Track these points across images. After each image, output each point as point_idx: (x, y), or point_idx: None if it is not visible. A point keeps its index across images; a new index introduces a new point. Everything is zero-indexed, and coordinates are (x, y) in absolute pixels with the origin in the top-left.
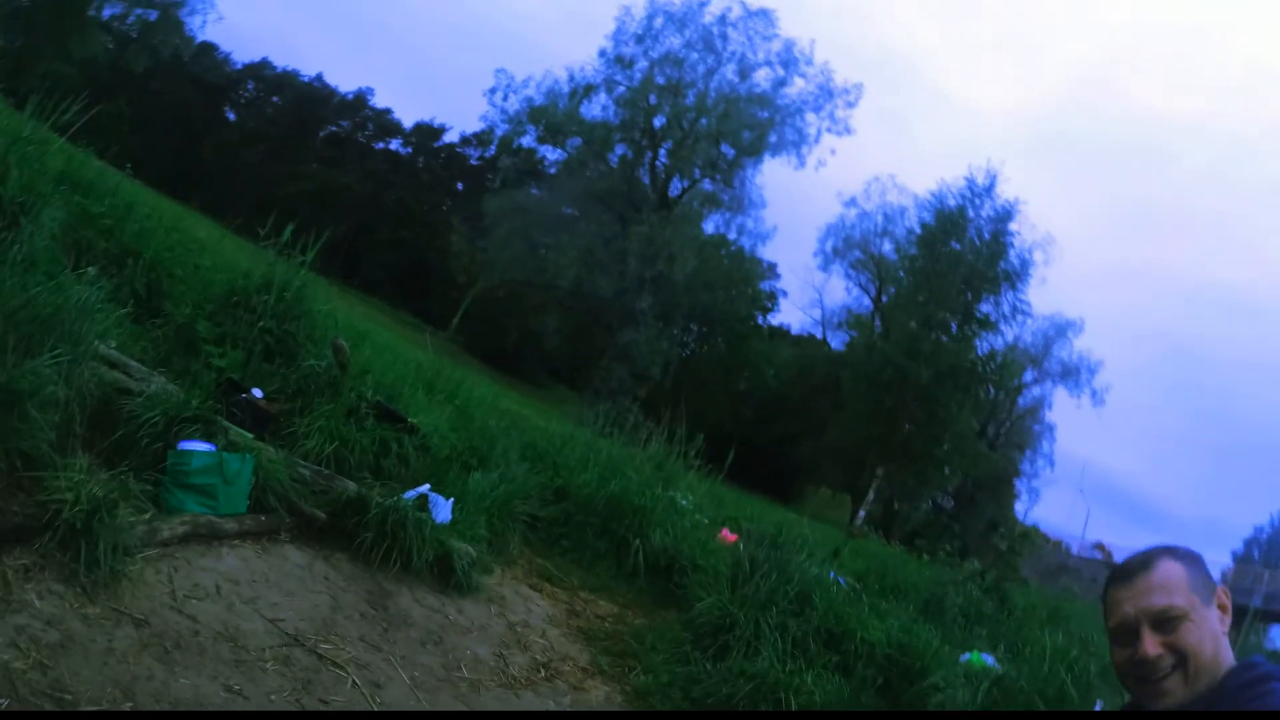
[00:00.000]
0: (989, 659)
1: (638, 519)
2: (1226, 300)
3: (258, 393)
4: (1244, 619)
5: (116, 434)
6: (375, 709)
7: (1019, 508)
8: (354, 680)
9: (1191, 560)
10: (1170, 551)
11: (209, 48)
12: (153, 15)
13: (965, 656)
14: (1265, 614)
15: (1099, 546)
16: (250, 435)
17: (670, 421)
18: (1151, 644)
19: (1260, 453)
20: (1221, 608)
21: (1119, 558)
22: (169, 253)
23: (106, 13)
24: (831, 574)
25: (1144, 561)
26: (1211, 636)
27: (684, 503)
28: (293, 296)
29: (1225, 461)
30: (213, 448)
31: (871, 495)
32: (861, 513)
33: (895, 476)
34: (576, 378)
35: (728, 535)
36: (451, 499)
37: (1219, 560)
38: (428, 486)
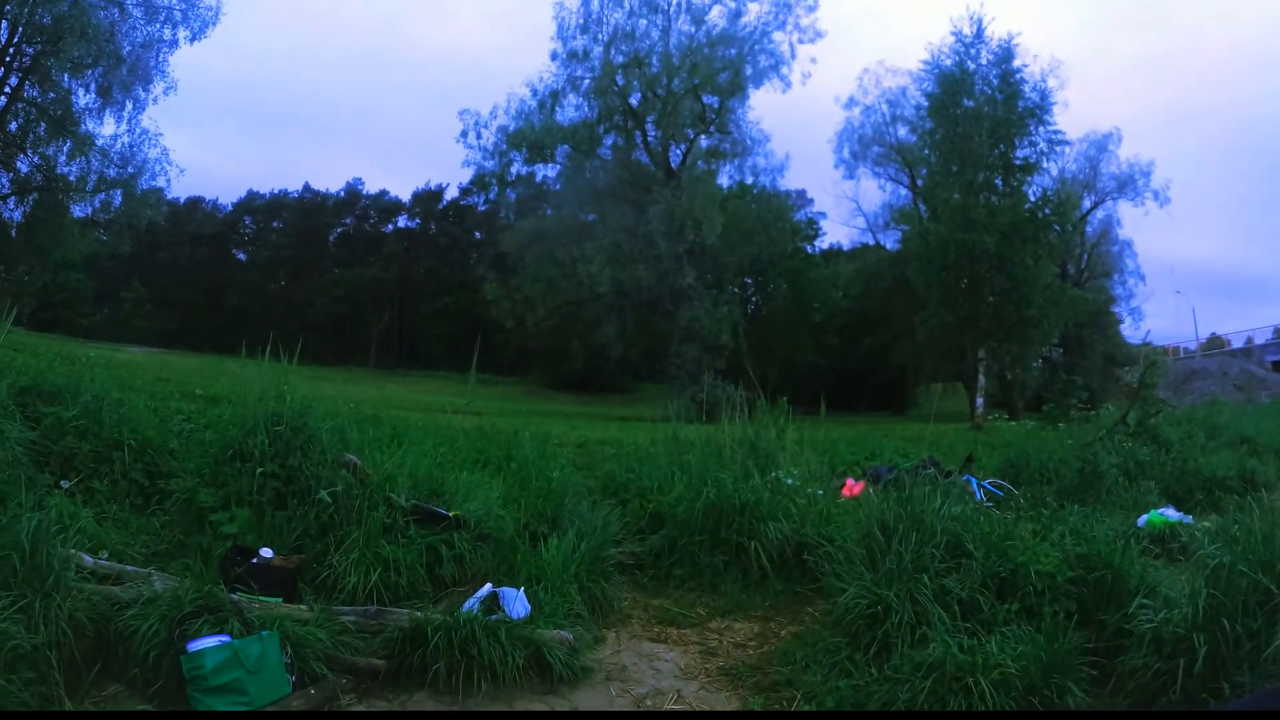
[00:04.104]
0: (1170, 513)
1: (746, 518)
2: (1263, 54)
3: (267, 553)
4: None
5: (121, 656)
6: None
7: (1126, 332)
8: None
9: None
10: None
11: (196, 202)
12: (117, 196)
13: (1143, 520)
14: None
15: (1214, 340)
16: (276, 600)
17: (748, 388)
18: None
19: None
20: None
21: (1237, 343)
22: (158, 429)
23: (80, 211)
24: (972, 483)
25: None
26: None
27: (790, 481)
28: (288, 429)
29: None
30: (226, 638)
31: (982, 378)
32: (979, 400)
33: (998, 351)
34: (655, 371)
35: (851, 487)
36: (521, 589)
37: None
38: (489, 586)
